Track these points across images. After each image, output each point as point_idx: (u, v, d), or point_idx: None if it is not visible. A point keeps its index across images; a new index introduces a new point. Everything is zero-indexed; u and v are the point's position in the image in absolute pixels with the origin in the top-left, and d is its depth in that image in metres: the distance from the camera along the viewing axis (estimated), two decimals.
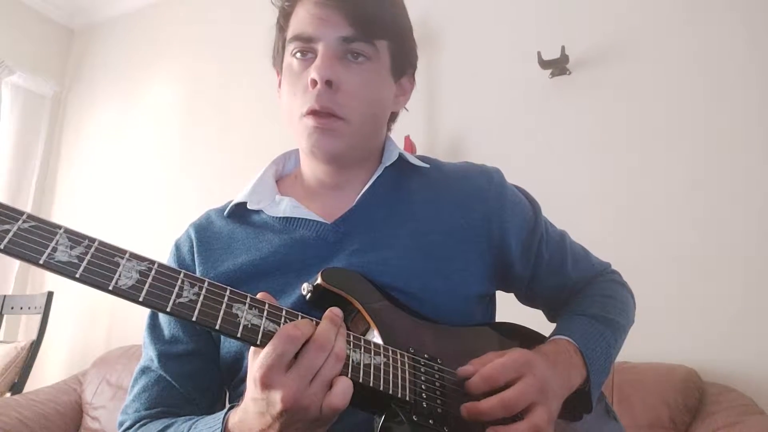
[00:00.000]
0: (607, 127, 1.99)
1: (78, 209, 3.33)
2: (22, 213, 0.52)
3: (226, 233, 0.85)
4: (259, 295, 0.62)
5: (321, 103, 0.77)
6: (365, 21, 0.78)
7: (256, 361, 0.56)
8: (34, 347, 2.54)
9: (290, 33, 0.82)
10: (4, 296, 2.85)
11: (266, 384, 0.55)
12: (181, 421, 0.73)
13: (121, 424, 0.80)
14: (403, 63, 0.87)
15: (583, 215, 1.88)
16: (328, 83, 0.76)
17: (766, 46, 1.79)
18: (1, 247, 0.49)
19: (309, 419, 0.56)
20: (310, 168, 0.88)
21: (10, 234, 0.50)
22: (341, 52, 0.78)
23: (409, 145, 2.20)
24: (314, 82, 0.76)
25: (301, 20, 0.80)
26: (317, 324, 0.60)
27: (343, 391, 0.56)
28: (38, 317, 2.61)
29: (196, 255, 0.84)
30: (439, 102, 2.34)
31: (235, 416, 0.62)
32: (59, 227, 0.53)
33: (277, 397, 0.54)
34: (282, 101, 0.86)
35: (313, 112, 0.77)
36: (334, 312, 0.61)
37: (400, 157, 0.89)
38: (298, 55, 0.80)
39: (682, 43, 1.92)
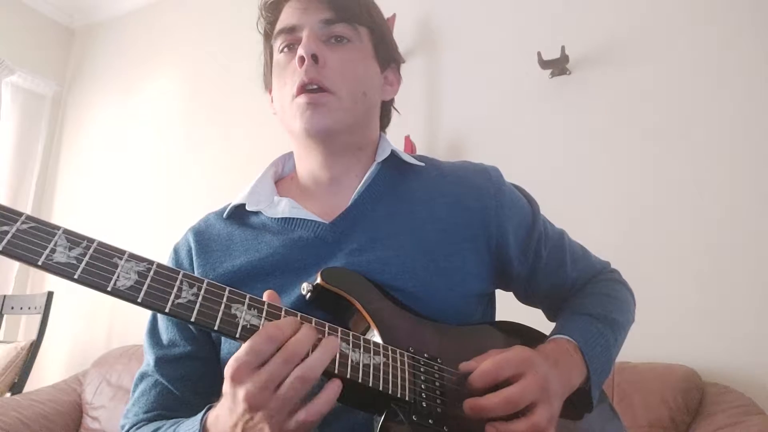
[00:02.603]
0: (607, 126, 1.99)
1: (78, 209, 3.33)
2: (20, 214, 0.52)
3: (224, 235, 0.85)
4: (265, 295, 0.62)
5: (309, 75, 0.79)
6: (344, 5, 0.82)
7: (233, 356, 0.56)
8: (34, 347, 2.54)
9: (275, 31, 0.85)
10: (4, 296, 2.85)
11: (235, 379, 0.55)
12: (169, 424, 0.74)
13: (122, 428, 0.81)
14: (386, 54, 0.90)
15: (583, 215, 1.88)
16: (314, 57, 0.79)
17: (763, 46, 1.79)
18: (0, 248, 0.49)
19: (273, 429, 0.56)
20: (305, 164, 0.88)
21: (9, 235, 0.50)
22: (324, 35, 0.82)
23: (409, 145, 2.20)
24: (301, 60, 0.79)
25: (283, 17, 0.84)
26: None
27: (325, 400, 0.57)
28: (38, 317, 2.61)
29: (194, 258, 0.84)
30: (439, 102, 2.34)
31: (213, 413, 0.63)
32: (58, 228, 0.53)
33: (240, 394, 0.55)
34: (275, 99, 0.87)
35: (302, 87, 0.79)
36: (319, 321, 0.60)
37: (393, 154, 0.88)
38: (285, 49, 0.84)
39: (683, 43, 1.92)
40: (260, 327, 0.58)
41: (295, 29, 0.82)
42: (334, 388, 0.58)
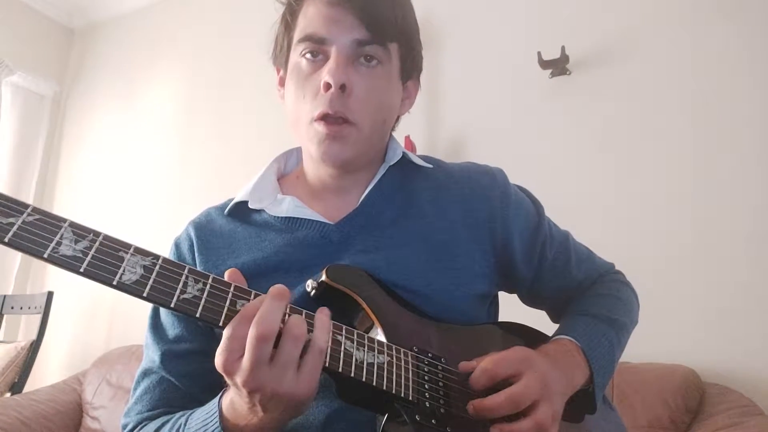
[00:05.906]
0: (606, 127, 1.99)
1: (78, 209, 3.32)
2: (27, 206, 0.52)
3: (227, 232, 0.84)
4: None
5: (334, 107, 0.75)
6: (379, 23, 0.76)
7: (218, 348, 0.56)
8: (34, 347, 2.53)
9: (300, 32, 0.79)
10: (4, 296, 2.84)
11: (227, 371, 0.55)
12: (178, 415, 0.73)
13: (124, 427, 0.79)
14: (411, 66, 0.86)
15: (583, 215, 1.88)
16: (342, 87, 0.75)
17: (763, 46, 1.79)
18: (6, 240, 0.49)
19: (284, 402, 0.56)
20: (314, 170, 0.87)
21: (15, 227, 0.50)
22: (354, 55, 0.77)
23: (410, 144, 2.20)
24: (327, 86, 0.75)
25: (312, 20, 0.78)
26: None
27: (310, 371, 0.56)
28: (38, 317, 2.60)
29: (196, 253, 0.83)
30: (440, 102, 2.34)
31: (227, 398, 0.63)
32: (64, 221, 0.53)
33: (238, 381, 0.55)
34: (287, 102, 0.84)
35: (324, 117, 0.76)
36: (277, 288, 0.58)
37: (404, 156, 0.88)
38: (309, 56, 0.78)
39: (682, 43, 1.92)
40: None
41: (324, 42, 0.77)
42: (324, 314, 0.60)
